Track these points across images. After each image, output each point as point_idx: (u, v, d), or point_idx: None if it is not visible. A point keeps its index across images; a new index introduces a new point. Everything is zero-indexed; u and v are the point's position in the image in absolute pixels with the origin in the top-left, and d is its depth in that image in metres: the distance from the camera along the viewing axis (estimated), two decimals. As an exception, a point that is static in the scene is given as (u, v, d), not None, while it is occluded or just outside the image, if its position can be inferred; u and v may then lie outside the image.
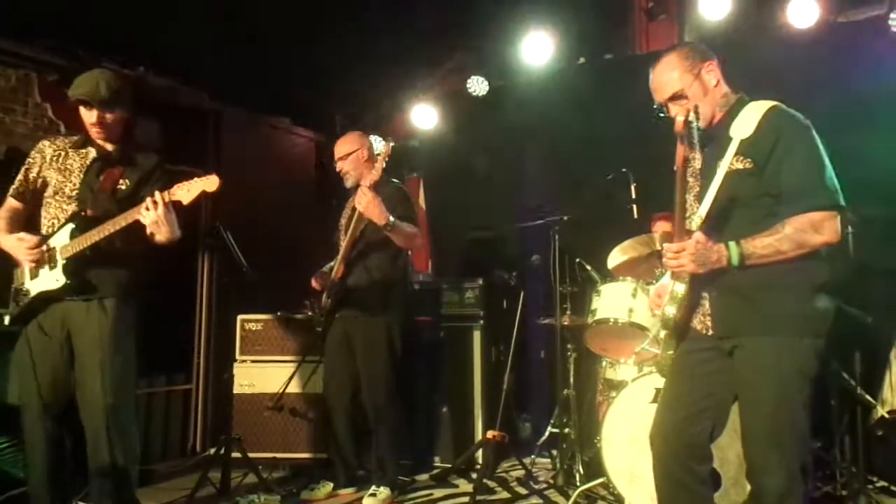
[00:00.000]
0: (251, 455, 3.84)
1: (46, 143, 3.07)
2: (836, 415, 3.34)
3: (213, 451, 3.92)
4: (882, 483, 3.51)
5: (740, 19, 4.30)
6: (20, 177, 3.03)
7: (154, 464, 4.32)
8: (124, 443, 2.91)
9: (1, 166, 3.17)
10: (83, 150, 3.01)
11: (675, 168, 2.34)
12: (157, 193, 2.76)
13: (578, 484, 3.59)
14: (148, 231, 2.82)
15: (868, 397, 3.38)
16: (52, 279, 2.89)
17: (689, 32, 4.67)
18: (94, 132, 2.96)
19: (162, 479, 4.10)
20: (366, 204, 3.47)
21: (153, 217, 2.75)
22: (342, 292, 3.68)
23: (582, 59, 5.12)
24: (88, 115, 2.93)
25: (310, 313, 4.38)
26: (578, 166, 4.82)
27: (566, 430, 3.93)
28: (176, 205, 2.80)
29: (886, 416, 3.40)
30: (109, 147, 3.02)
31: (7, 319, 2.96)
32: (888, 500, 3.33)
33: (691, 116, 2.10)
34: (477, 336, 4.40)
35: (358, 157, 3.81)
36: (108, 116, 2.93)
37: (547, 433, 4.26)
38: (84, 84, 2.92)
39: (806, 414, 2.05)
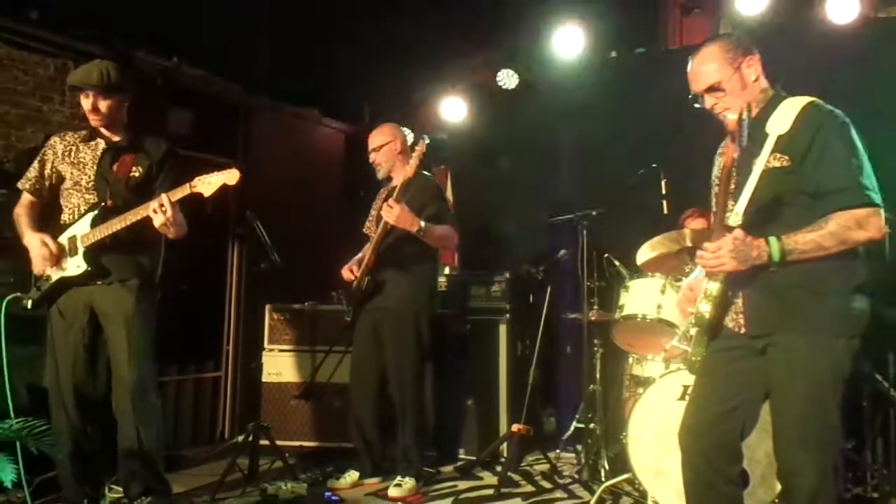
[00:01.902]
0: (279, 443, 3.89)
1: (56, 139, 3.18)
2: (868, 416, 3.29)
3: (241, 438, 3.98)
4: (914, 486, 3.46)
5: (777, 14, 4.22)
6: (34, 172, 3.13)
7: (183, 450, 4.40)
8: (149, 423, 3.00)
9: (38, 154, 3.25)
10: (92, 143, 3.12)
11: (715, 168, 2.32)
12: (164, 197, 2.85)
13: (603, 479, 3.58)
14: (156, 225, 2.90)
15: (901, 399, 3.33)
16: (73, 266, 3.01)
17: (724, 28, 4.60)
18: (91, 119, 3.06)
19: (191, 464, 4.17)
20: (395, 217, 3.49)
21: (161, 220, 2.84)
22: (372, 284, 3.70)
23: (613, 53, 5.07)
24: (85, 103, 3.03)
25: (337, 304, 4.42)
26: (608, 161, 4.79)
27: (591, 425, 3.93)
28: (197, 196, 2.87)
29: (919, 418, 3.34)
30: (116, 137, 3.11)
31: (29, 304, 3.05)
32: (920, 504, 3.27)
33: (744, 115, 2.03)
34: (503, 330, 4.40)
35: (391, 149, 3.82)
36: (102, 103, 3.01)
37: (572, 428, 4.26)
38: (79, 73, 3.03)
39: (838, 414, 2.03)
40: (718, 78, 2.16)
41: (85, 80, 2.98)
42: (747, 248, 1.97)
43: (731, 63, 2.15)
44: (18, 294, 3.07)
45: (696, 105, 2.24)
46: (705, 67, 2.18)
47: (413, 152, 3.62)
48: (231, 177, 2.84)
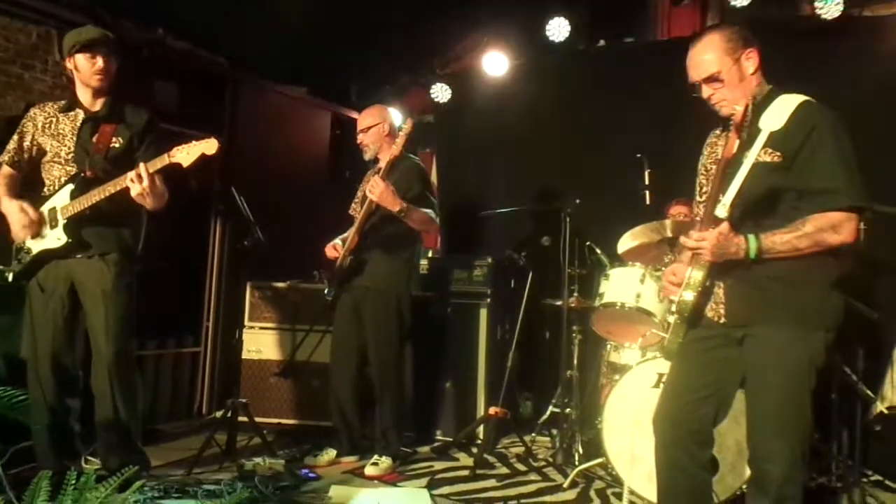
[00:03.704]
0: (257, 419, 3.90)
1: (36, 110, 3.14)
2: (836, 408, 3.37)
3: (219, 413, 3.99)
4: (876, 477, 3.56)
5: (764, 9, 4.26)
6: (14, 145, 3.09)
7: (161, 424, 4.39)
8: (126, 395, 3.00)
9: (18, 122, 3.20)
10: (71, 114, 3.08)
11: (703, 157, 2.35)
12: (141, 166, 2.83)
13: (577, 463, 3.65)
14: (135, 197, 2.89)
15: (869, 392, 3.41)
16: (53, 238, 2.98)
17: (713, 20, 4.63)
18: (96, 80, 3.01)
19: (169, 438, 4.17)
20: (379, 193, 3.50)
21: (139, 189, 2.82)
22: (354, 263, 3.71)
23: (602, 42, 5.08)
24: (91, 64, 2.99)
25: (319, 283, 4.43)
26: (593, 149, 4.82)
27: (567, 410, 3.98)
28: (175, 166, 2.85)
29: (886, 411, 3.43)
30: (96, 107, 3.08)
31: (10, 276, 3.03)
32: (882, 494, 3.36)
33: (751, 107, 2.04)
34: (483, 313, 4.42)
35: (379, 130, 3.82)
36: (113, 64, 3.01)
37: (548, 412, 4.32)
38: (88, 32, 3.00)
39: (810, 404, 2.09)
40: (718, 68, 2.16)
41: (105, 38, 2.97)
42: (727, 243, 2.02)
43: (731, 54, 2.16)
44: (0, 267, 3.05)
45: (694, 94, 2.24)
46: (706, 56, 2.17)
47: (400, 133, 3.63)
48: (209, 146, 2.82)
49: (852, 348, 3.36)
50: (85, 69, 3.01)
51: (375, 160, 3.85)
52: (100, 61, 2.98)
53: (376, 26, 4.85)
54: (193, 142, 2.84)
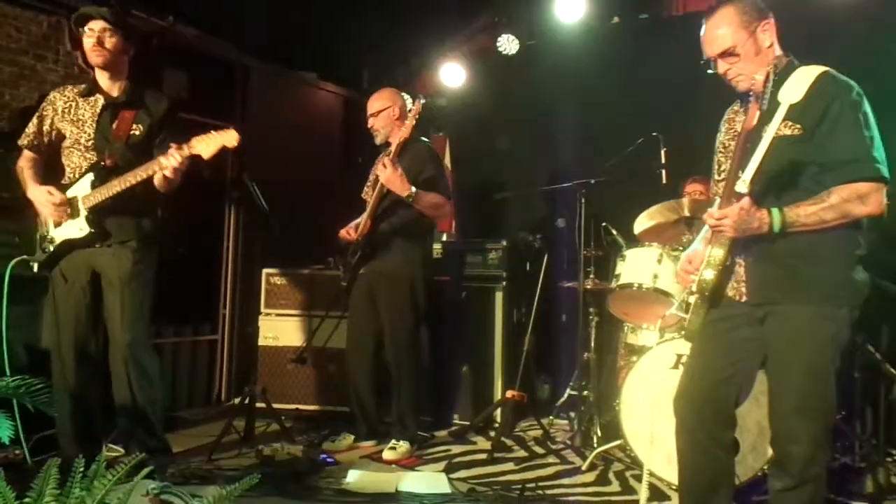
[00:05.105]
0: (275, 406, 3.92)
1: (56, 94, 3.13)
2: (859, 387, 3.32)
3: (237, 400, 4.01)
4: (901, 456, 3.51)
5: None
6: (33, 129, 3.09)
7: (179, 411, 4.43)
8: (143, 382, 3.01)
9: (32, 113, 3.21)
10: (91, 98, 3.07)
11: (720, 134, 2.30)
12: (175, 148, 2.83)
13: (595, 446, 3.63)
14: (156, 180, 2.90)
15: (893, 371, 3.35)
16: (75, 228, 2.99)
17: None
18: (94, 56, 2.99)
19: (188, 425, 4.20)
20: (388, 176, 3.49)
21: (174, 164, 2.82)
22: (368, 248, 3.70)
23: (616, 19, 5.01)
24: (88, 40, 2.97)
25: (334, 269, 4.43)
26: (609, 128, 4.76)
27: (585, 392, 3.96)
28: (195, 158, 2.84)
29: (910, 390, 3.37)
30: (115, 92, 3.06)
31: (35, 266, 3.05)
32: (906, 473, 3.32)
33: (771, 77, 1.99)
34: (499, 297, 4.40)
35: (389, 114, 3.79)
36: (109, 39, 2.97)
37: (566, 395, 4.31)
38: (86, 8, 3.00)
39: (833, 383, 2.05)
40: (733, 42, 2.11)
41: (97, 10, 2.95)
42: (750, 218, 1.97)
43: (746, 27, 2.10)
44: (25, 257, 3.06)
45: (709, 70, 2.19)
46: (720, 31, 2.12)
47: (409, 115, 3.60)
48: (229, 138, 2.81)
49: (876, 326, 3.31)
50: (87, 47, 3.00)
51: (387, 144, 3.82)
52: (94, 36, 2.95)
53: (386, 10, 4.81)
54: (212, 132, 2.82)
